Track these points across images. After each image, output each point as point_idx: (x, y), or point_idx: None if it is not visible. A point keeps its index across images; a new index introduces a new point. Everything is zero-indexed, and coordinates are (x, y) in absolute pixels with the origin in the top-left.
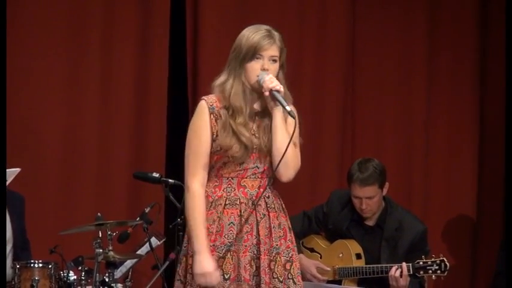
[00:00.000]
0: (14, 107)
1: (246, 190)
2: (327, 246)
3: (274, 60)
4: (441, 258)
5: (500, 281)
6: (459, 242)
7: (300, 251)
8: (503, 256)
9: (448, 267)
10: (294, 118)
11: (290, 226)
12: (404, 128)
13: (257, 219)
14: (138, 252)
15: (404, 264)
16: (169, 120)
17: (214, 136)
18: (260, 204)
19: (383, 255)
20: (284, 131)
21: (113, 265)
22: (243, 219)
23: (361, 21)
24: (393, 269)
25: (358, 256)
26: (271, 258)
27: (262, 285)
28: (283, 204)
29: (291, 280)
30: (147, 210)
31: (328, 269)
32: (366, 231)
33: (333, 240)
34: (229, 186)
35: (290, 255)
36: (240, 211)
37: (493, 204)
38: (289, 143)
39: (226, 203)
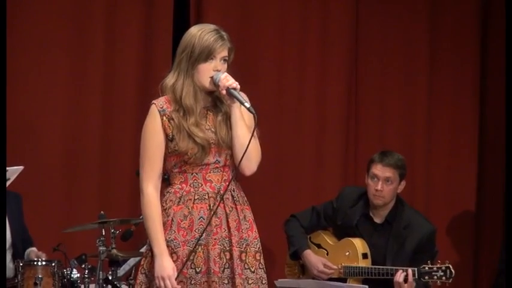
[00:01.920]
0: (16, 104)
1: (212, 184)
2: (334, 244)
3: (225, 60)
4: (447, 265)
5: (503, 280)
6: (461, 241)
7: (307, 246)
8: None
9: (453, 275)
10: (254, 114)
11: (253, 218)
12: (407, 128)
13: (226, 212)
14: (142, 250)
15: (410, 270)
16: None
17: (170, 137)
18: (228, 198)
19: (390, 252)
20: (244, 125)
21: (116, 263)
22: (212, 213)
23: (364, 23)
24: (398, 273)
25: (365, 256)
26: (242, 249)
27: (236, 277)
28: (245, 197)
29: (262, 270)
30: None
31: (335, 267)
32: (374, 228)
33: (340, 237)
34: (195, 181)
35: (258, 246)
36: (209, 205)
37: (494, 203)
38: (250, 140)
39: (195, 197)
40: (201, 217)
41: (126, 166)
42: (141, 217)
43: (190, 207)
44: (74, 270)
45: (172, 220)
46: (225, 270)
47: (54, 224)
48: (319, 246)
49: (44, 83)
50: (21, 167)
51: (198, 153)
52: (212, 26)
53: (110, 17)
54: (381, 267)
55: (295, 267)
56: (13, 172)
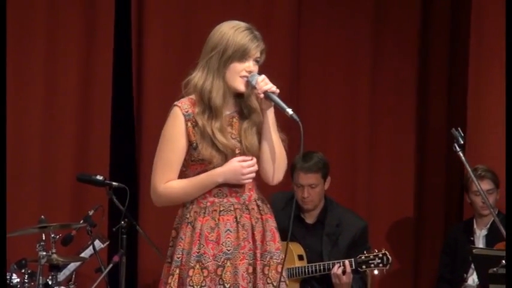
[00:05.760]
0: None
1: (238, 195)
2: None
3: (257, 61)
4: (383, 252)
5: (442, 285)
6: (401, 247)
7: None
8: (446, 260)
9: (390, 261)
10: (298, 122)
11: (276, 226)
12: (348, 130)
13: (252, 224)
14: (82, 255)
15: (346, 261)
16: (114, 123)
17: (194, 145)
18: (253, 208)
19: (325, 251)
20: (277, 133)
21: (56, 268)
22: (240, 225)
23: (307, 22)
24: (335, 266)
25: (300, 257)
26: (265, 263)
27: None
28: (268, 205)
29: (284, 283)
30: (90, 213)
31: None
32: (307, 229)
33: None
34: (219, 191)
35: (280, 257)
36: (236, 217)
37: (435, 208)
38: (301, 151)
39: (221, 209)
40: (228, 229)
41: (67, 170)
42: (81, 222)
43: (216, 219)
44: (14, 275)
45: (200, 233)
46: (248, 284)
47: None
48: None
49: None
50: None
51: (222, 163)
52: (245, 24)
53: (52, 20)
54: (317, 263)
55: None
56: None
